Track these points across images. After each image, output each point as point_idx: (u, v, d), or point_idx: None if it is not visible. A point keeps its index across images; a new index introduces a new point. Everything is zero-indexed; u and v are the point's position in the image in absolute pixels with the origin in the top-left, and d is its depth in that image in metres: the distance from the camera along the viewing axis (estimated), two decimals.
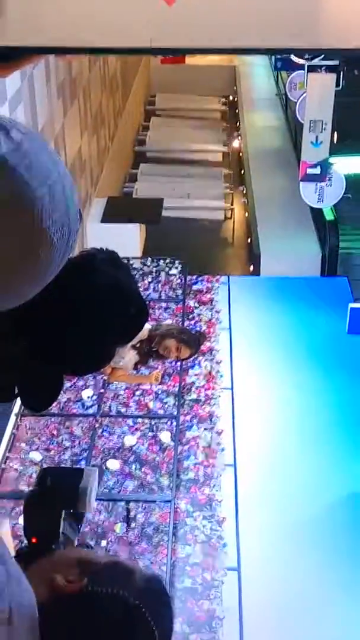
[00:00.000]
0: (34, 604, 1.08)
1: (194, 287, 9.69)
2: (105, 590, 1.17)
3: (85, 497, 1.98)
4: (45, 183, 0.96)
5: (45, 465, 6.78)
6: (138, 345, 4.62)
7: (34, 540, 1.79)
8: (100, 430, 7.20)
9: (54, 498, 1.95)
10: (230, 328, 9.13)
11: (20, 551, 1.66)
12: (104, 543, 6.13)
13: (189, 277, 9.77)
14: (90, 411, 7.40)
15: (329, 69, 7.75)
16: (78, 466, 6.53)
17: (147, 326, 4.77)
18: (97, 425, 7.24)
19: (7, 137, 0.96)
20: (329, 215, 11.55)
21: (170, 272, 9.76)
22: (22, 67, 1.59)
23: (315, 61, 7.73)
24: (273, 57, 15.17)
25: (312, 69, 7.79)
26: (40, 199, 0.94)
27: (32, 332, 1.36)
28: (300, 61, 8.57)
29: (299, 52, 7.32)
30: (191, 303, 9.36)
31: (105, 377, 5.79)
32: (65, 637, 1.17)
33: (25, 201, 0.93)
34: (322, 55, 7.54)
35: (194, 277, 9.86)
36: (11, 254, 0.93)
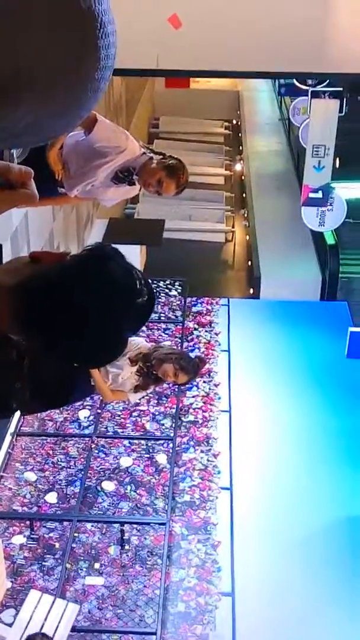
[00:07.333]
0: None
1: (194, 309, 9.69)
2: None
3: None
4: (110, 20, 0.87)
5: (39, 486, 6.74)
6: (135, 357, 4.54)
7: None
8: (96, 451, 7.17)
9: None
10: (229, 350, 9.11)
11: None
12: (97, 565, 6.07)
13: (188, 299, 9.77)
14: (87, 431, 7.37)
15: (333, 95, 7.80)
16: None
17: (147, 345, 4.73)
18: (93, 445, 7.20)
19: None
20: (330, 240, 11.54)
21: (170, 294, 9.76)
22: None
23: (319, 87, 7.78)
24: (277, 82, 15.31)
25: (315, 94, 7.84)
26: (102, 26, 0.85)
27: (46, 324, 1.37)
28: (304, 87, 8.63)
29: (302, 77, 7.37)
30: (190, 324, 9.35)
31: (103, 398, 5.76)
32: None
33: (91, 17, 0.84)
34: (326, 81, 7.60)
35: (194, 298, 9.86)
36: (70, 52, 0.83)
